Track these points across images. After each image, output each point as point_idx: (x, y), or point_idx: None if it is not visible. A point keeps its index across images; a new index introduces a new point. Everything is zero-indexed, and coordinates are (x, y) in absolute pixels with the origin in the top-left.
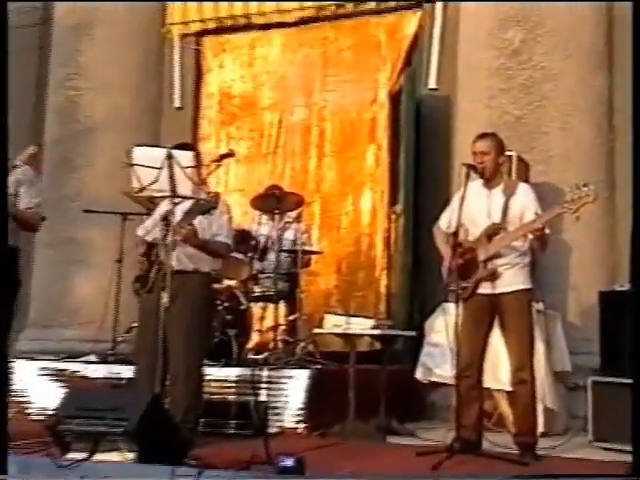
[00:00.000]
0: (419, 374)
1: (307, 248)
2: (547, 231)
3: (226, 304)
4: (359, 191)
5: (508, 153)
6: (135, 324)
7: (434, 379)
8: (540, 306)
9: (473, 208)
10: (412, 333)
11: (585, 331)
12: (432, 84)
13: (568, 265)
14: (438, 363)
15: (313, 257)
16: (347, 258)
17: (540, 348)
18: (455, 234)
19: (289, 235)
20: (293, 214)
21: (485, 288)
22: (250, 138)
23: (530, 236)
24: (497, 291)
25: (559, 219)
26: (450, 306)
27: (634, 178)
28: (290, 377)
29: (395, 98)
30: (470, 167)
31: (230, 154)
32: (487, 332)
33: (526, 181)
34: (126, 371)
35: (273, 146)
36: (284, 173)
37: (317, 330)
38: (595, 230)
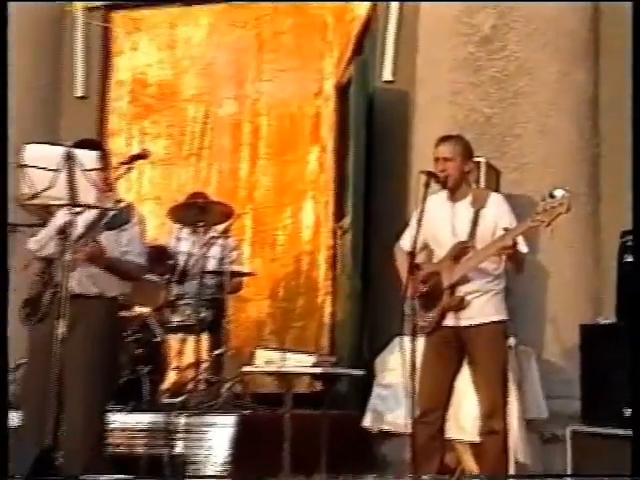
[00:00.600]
0: (368, 421)
1: (236, 269)
2: (523, 249)
3: (137, 336)
4: (299, 201)
5: (476, 159)
6: (23, 360)
7: (386, 427)
8: (512, 341)
9: (436, 224)
10: (360, 372)
11: (564, 371)
12: (387, 76)
13: (545, 292)
14: (391, 408)
15: (244, 279)
16: (284, 281)
17: (512, 391)
18: (413, 255)
19: (215, 253)
20: (220, 228)
21: (451, 319)
22: (169, 135)
23: (504, 257)
24: (465, 323)
25: (534, 237)
26: (407, 339)
27: (634, 189)
28: (213, 424)
29: (343, 91)
30: (430, 175)
31: (144, 155)
32: (453, 372)
33: (496, 192)
34: (10, 418)
35: (197, 146)
36: (210, 178)
37: (247, 368)
38: (577, 251)
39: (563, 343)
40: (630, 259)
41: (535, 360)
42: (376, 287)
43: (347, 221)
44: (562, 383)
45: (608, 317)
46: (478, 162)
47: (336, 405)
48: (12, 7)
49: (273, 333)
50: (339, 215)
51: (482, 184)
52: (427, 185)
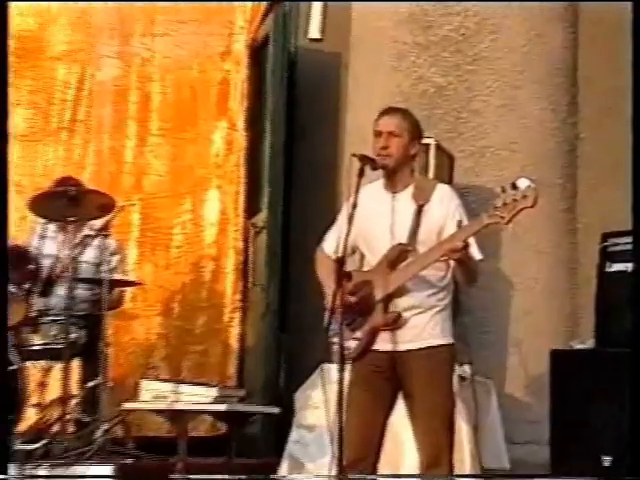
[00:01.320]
0: (284, 470)
1: (119, 277)
2: (476, 255)
3: None
4: (201, 191)
5: (425, 141)
6: None
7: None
8: (466, 371)
9: (369, 222)
10: (275, 410)
11: (531, 410)
12: (315, 33)
13: (507, 309)
14: (313, 456)
15: (128, 291)
16: (180, 293)
17: (464, 434)
18: (342, 261)
19: (90, 256)
20: (97, 224)
21: (383, 342)
22: (32, 104)
23: (452, 263)
24: (401, 347)
25: (494, 240)
26: (333, 368)
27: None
28: (85, 478)
29: (258, 51)
30: (365, 160)
31: None
32: (387, 409)
33: (449, 182)
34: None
35: (68, 118)
36: (85, 160)
37: (129, 404)
38: (547, 257)
39: (530, 374)
40: (614, 268)
41: (495, 395)
42: (297, 302)
43: (262, 217)
44: (528, 424)
45: (585, 341)
46: (427, 144)
47: (245, 451)
48: None
49: (166, 359)
50: (252, 210)
51: (431, 172)
52: (361, 173)
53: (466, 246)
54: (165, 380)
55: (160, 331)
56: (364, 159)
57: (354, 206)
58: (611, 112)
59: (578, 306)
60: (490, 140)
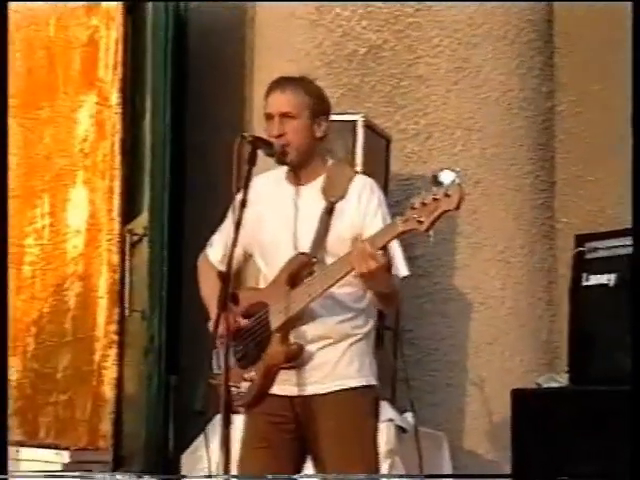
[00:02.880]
0: None
1: None
2: (401, 272)
3: None
4: (62, 188)
5: (351, 117)
6: None
7: None
8: (407, 420)
9: (265, 224)
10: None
11: (498, 467)
12: None
13: (465, 340)
14: None
15: None
16: (36, 326)
17: None
18: (228, 275)
19: None
20: None
21: (284, 384)
22: None
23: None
24: (306, 391)
25: (446, 248)
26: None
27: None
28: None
29: (135, 4)
30: (258, 143)
31: None
32: (291, 472)
33: (385, 171)
34: None
35: None
36: None
37: None
38: (518, 271)
39: (496, 422)
40: (592, 281)
41: (448, 450)
42: (191, 333)
43: (141, 222)
44: None
45: (557, 375)
46: (352, 122)
47: None
48: None
49: (17, 414)
50: (129, 213)
51: (358, 159)
52: (252, 160)
53: (386, 260)
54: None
55: (10, 376)
56: (256, 142)
57: (243, 204)
58: (599, 75)
59: (557, 331)
60: (439, 115)
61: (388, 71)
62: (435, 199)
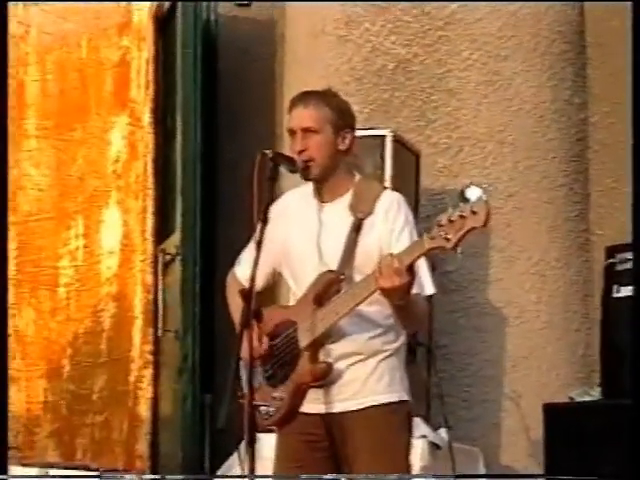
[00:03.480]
0: None
1: None
2: (427, 290)
3: None
4: (96, 210)
5: (380, 132)
6: None
7: None
8: (441, 437)
9: (293, 241)
10: None
11: None
12: None
13: (501, 354)
14: None
15: None
16: (72, 347)
17: None
18: (250, 292)
19: None
20: None
21: (315, 402)
22: None
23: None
24: (337, 408)
25: (480, 262)
26: (262, 438)
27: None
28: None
29: (166, 22)
30: (279, 159)
31: None
32: None
33: (415, 185)
34: None
35: None
36: None
37: None
38: (553, 284)
39: (533, 437)
40: (623, 293)
41: (483, 466)
42: (225, 352)
43: (174, 242)
44: None
45: (589, 391)
46: (381, 137)
47: None
48: None
49: (54, 436)
50: (162, 233)
51: (387, 174)
52: (273, 177)
53: (410, 279)
54: (28, 464)
55: (46, 398)
56: (277, 158)
57: (264, 221)
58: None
59: (594, 344)
60: (470, 129)
61: (418, 85)
62: (462, 216)
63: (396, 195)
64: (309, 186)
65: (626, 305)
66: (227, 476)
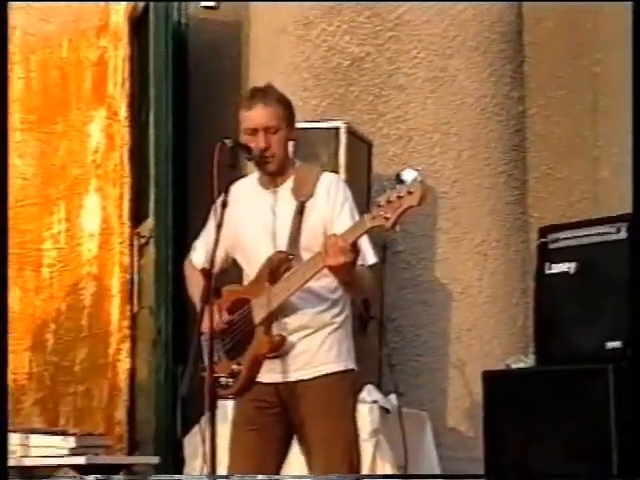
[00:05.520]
0: None
1: None
2: (369, 259)
3: None
4: (77, 196)
5: (335, 124)
6: None
7: None
8: (391, 402)
9: (245, 226)
10: (153, 460)
11: (478, 445)
12: None
13: (446, 326)
14: None
15: None
16: (55, 322)
17: None
18: (210, 273)
19: None
20: None
21: (269, 372)
22: None
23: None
24: (290, 377)
25: (427, 242)
26: (226, 405)
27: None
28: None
29: (141, 23)
30: (237, 147)
31: None
32: (279, 453)
33: (368, 173)
34: None
35: None
36: None
37: None
38: (494, 262)
39: (477, 401)
40: (554, 270)
41: (430, 430)
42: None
43: (148, 226)
44: (474, 463)
45: (523, 358)
46: (336, 129)
47: None
48: None
49: (39, 404)
50: (138, 216)
51: (341, 163)
52: (233, 164)
53: (355, 251)
54: (10, 430)
55: (31, 369)
56: (236, 147)
57: (224, 205)
58: (564, 82)
59: (531, 317)
60: (418, 121)
61: (370, 81)
62: (399, 197)
63: (334, 176)
64: (254, 176)
65: (557, 280)
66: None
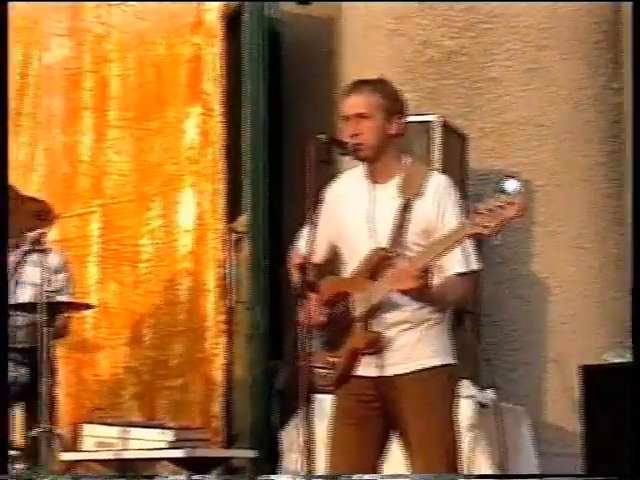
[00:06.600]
0: None
1: (67, 299)
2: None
3: None
4: (172, 192)
5: (428, 117)
6: None
7: None
8: (488, 396)
9: (347, 219)
10: (250, 453)
11: (577, 440)
12: None
13: (543, 321)
14: None
15: (83, 315)
16: (152, 317)
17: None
18: (304, 265)
19: (30, 275)
20: (35, 236)
21: (368, 366)
22: None
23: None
24: (389, 372)
25: (524, 237)
26: (323, 400)
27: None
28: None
29: (235, 20)
30: (332, 143)
31: None
32: (379, 448)
33: (462, 167)
34: None
35: (14, 110)
36: (34, 161)
37: (67, 454)
38: (591, 256)
39: (575, 397)
40: None
41: (527, 425)
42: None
43: (242, 221)
44: (573, 459)
45: (623, 352)
46: (429, 122)
47: None
48: None
49: (136, 398)
50: (233, 212)
51: (436, 157)
52: (327, 160)
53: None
54: (110, 424)
55: (128, 364)
56: (330, 142)
57: (320, 201)
58: None
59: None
60: (513, 114)
61: (464, 74)
62: (500, 206)
63: (444, 177)
64: (360, 169)
65: None
66: None
